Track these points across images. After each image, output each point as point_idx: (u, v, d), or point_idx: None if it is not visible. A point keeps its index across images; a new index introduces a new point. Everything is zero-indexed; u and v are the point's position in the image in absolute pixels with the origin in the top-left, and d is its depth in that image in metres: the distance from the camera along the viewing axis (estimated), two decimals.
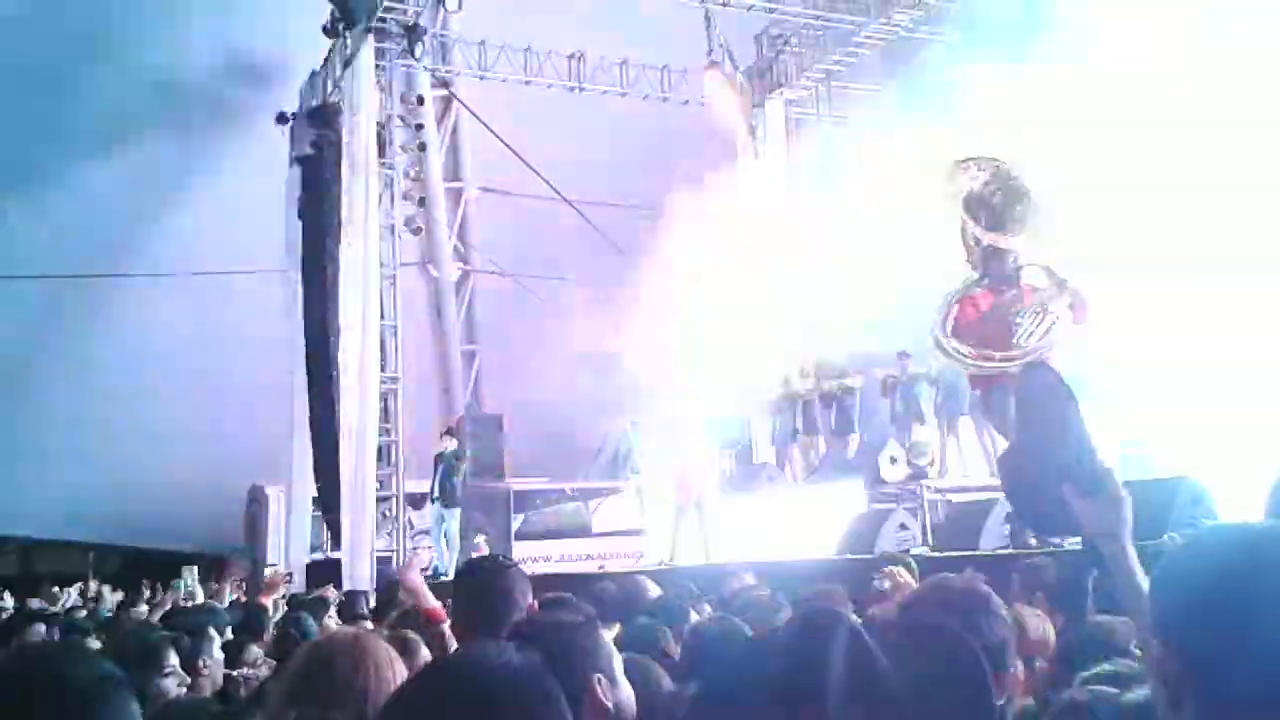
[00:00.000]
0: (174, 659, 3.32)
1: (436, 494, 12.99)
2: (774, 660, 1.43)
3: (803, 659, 1.40)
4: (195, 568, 14.20)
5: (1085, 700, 2.25)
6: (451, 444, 13.35)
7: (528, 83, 15.10)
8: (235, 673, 4.43)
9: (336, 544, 12.64)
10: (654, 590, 4.57)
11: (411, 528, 13.78)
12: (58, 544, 14.53)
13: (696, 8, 14.31)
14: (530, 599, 3.11)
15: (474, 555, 11.67)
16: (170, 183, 15.78)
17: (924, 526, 9.11)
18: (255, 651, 4.97)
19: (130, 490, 14.61)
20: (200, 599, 10.74)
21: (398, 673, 1.99)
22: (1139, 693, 2.01)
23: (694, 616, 3.62)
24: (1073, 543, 6.35)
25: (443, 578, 10.79)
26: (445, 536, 12.85)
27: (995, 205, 7.62)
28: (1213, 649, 1.20)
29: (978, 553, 7.25)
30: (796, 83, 15.42)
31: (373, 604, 7.77)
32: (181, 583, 12.30)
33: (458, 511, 13.07)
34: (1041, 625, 3.19)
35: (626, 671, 1.99)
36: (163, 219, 15.69)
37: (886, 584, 3.59)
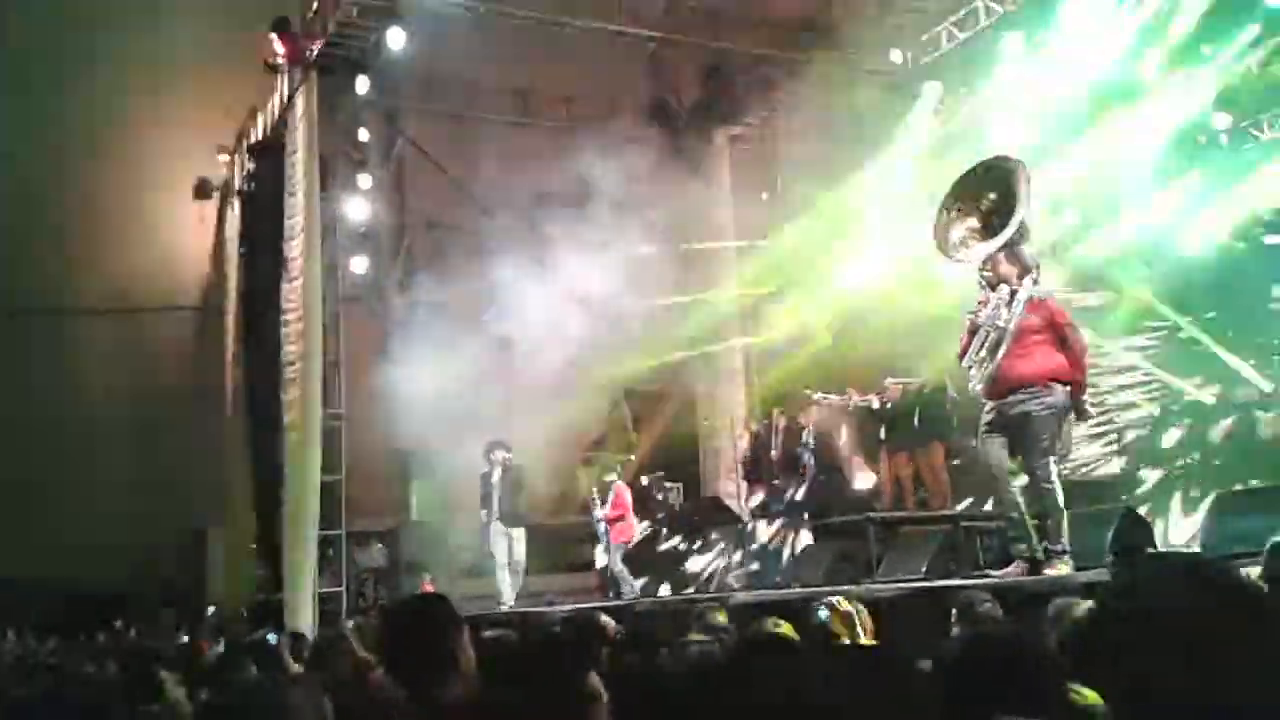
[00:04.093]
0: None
1: (497, 513, 11.25)
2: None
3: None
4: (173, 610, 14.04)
5: None
6: (504, 455, 11.38)
7: (474, 118, 15.11)
8: None
9: (279, 585, 12.34)
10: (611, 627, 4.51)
11: (355, 565, 13.50)
12: None
13: (641, 45, 14.38)
14: (464, 636, 3.05)
15: (416, 593, 11.44)
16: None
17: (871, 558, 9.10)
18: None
19: (64, 531, 14.25)
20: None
21: None
22: None
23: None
24: (1008, 573, 6.40)
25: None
26: (511, 561, 11.27)
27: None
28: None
29: (920, 582, 7.27)
30: (742, 119, 15.58)
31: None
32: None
33: (523, 531, 11.41)
34: None
35: None
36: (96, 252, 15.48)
37: (824, 613, 3.55)
